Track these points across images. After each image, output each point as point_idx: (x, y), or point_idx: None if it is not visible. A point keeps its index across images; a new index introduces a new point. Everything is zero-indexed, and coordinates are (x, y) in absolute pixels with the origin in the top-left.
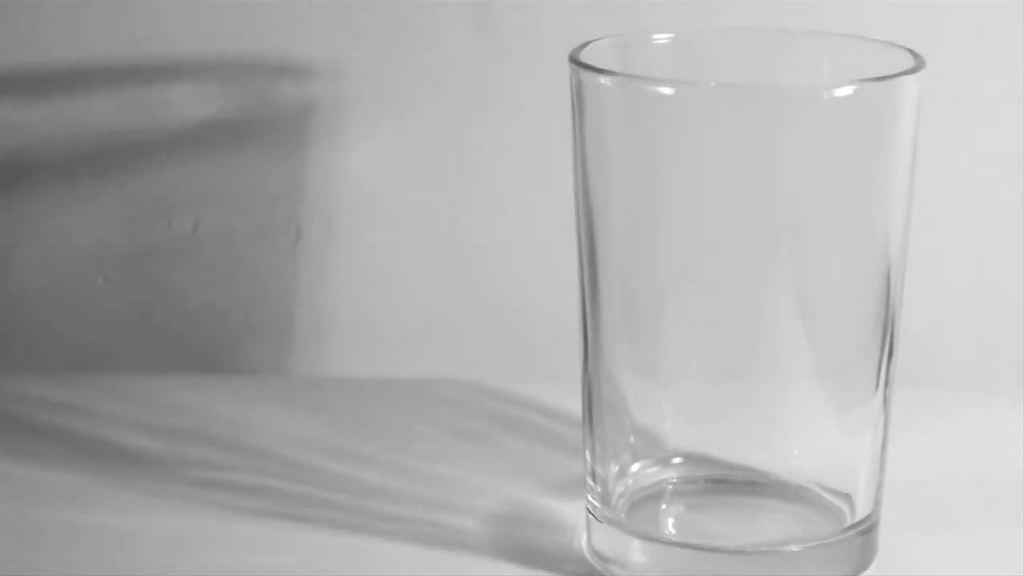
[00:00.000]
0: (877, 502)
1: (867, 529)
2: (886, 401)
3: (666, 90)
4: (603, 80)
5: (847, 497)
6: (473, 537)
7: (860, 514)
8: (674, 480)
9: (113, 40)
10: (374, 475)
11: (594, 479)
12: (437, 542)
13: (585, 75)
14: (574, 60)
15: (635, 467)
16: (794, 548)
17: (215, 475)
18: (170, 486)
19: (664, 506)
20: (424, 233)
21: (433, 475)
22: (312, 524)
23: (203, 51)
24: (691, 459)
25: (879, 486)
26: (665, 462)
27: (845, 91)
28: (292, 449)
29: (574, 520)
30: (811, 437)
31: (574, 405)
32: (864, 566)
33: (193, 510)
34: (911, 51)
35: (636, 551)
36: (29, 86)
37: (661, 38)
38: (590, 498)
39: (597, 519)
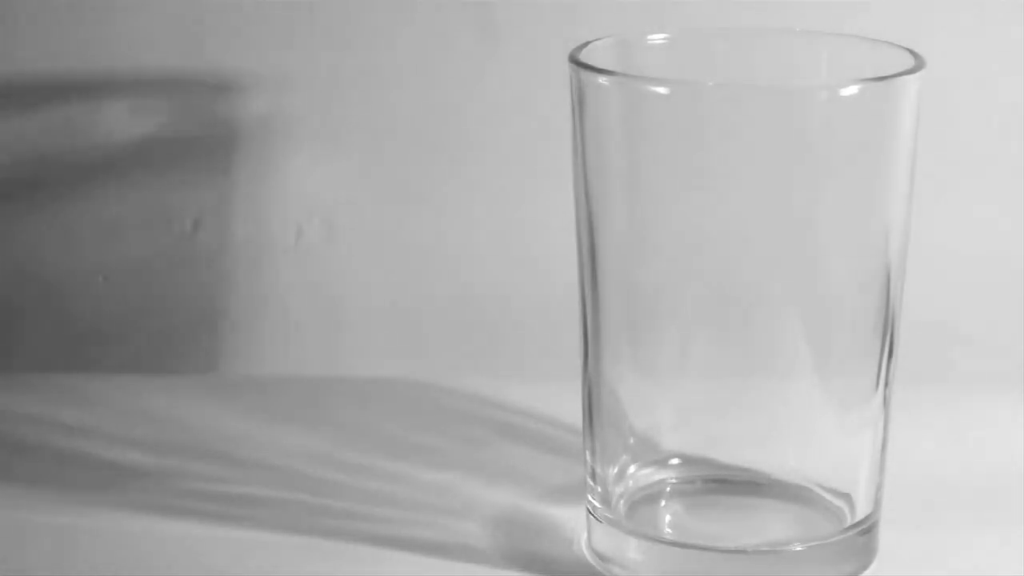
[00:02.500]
0: (877, 502)
1: (867, 529)
2: (886, 401)
3: (665, 90)
4: (603, 80)
5: (847, 497)
6: (473, 540)
7: (860, 514)
8: (674, 480)
9: (115, 46)
10: (372, 481)
11: (594, 479)
12: (437, 547)
13: (585, 75)
14: (574, 60)
15: (634, 467)
16: (794, 548)
17: (220, 486)
18: (163, 496)
19: (664, 505)
20: (422, 233)
21: (430, 480)
22: (318, 530)
23: (196, 53)
24: (691, 459)
25: (879, 486)
26: (664, 462)
27: (845, 91)
28: (284, 456)
29: (573, 523)
30: (811, 437)
31: (570, 406)
32: (864, 566)
33: (192, 517)
34: (911, 51)
35: (636, 551)
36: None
37: (660, 38)
38: (590, 498)
39: (597, 519)
